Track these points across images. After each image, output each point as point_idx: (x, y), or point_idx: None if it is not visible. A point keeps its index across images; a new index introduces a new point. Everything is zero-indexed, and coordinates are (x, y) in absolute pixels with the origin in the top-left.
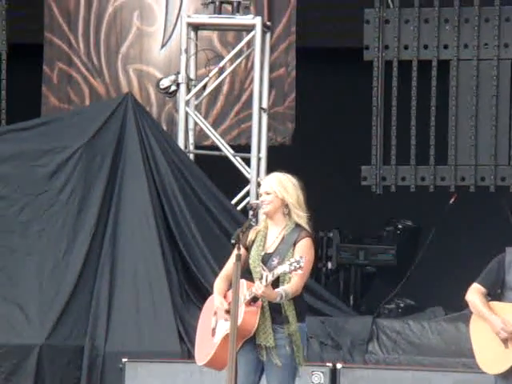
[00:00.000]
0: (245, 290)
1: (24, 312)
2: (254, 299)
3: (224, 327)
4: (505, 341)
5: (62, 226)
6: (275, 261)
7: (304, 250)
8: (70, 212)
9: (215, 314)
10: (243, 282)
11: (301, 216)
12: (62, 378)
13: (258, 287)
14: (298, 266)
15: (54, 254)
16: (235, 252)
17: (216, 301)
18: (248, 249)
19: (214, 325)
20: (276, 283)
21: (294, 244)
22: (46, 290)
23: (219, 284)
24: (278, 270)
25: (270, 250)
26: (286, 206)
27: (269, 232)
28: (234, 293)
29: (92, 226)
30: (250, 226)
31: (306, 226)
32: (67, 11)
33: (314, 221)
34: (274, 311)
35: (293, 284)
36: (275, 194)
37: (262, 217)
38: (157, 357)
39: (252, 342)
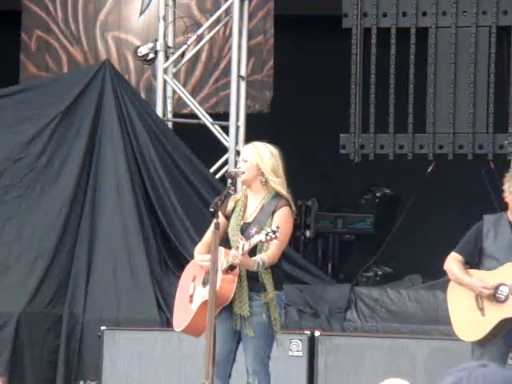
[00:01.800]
0: (222, 257)
1: (2, 279)
2: (232, 268)
3: (201, 294)
4: (481, 309)
5: (40, 192)
6: (253, 230)
7: (282, 219)
8: (49, 178)
9: (193, 280)
10: (221, 249)
11: (277, 183)
12: (40, 345)
13: (235, 256)
14: (273, 235)
15: (33, 220)
16: (214, 220)
17: (198, 257)
18: (228, 217)
19: (191, 291)
20: (253, 252)
21: (273, 213)
22: (24, 257)
23: (199, 249)
24: (254, 240)
25: (249, 220)
26: (263, 174)
27: (248, 201)
28: (212, 261)
29: (70, 192)
30: (229, 195)
31: (286, 195)
32: None
33: (293, 189)
34: (252, 279)
35: (269, 253)
36: (251, 161)
37: (240, 185)
38: (135, 324)
39: (229, 310)
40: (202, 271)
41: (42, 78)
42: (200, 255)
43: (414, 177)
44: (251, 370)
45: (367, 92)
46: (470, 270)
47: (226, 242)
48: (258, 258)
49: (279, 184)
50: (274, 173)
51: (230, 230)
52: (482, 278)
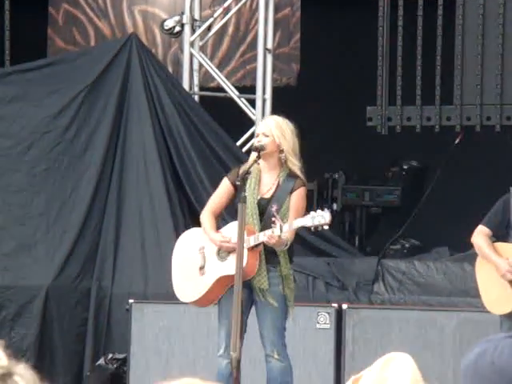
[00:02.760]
0: (244, 235)
1: (31, 253)
2: (257, 244)
3: (218, 268)
4: (510, 282)
5: (68, 165)
6: (274, 208)
7: (300, 200)
8: (76, 151)
9: (200, 250)
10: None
11: (295, 164)
12: (69, 318)
13: (271, 237)
14: (322, 221)
15: (61, 193)
16: (224, 185)
17: (215, 236)
18: (235, 187)
19: (201, 263)
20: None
21: (291, 192)
22: (52, 231)
23: (209, 221)
24: (298, 223)
25: (267, 196)
26: (282, 151)
27: (263, 176)
28: (239, 234)
29: (98, 166)
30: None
31: (301, 175)
32: None
33: (319, 162)
34: (269, 253)
35: (291, 232)
36: (273, 137)
37: (251, 156)
38: (163, 298)
39: (242, 283)
40: (211, 242)
41: (69, 52)
42: (217, 234)
43: (441, 149)
44: (269, 342)
45: (394, 64)
46: (497, 243)
47: (228, 213)
48: (284, 237)
49: (297, 164)
50: (293, 152)
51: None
52: (511, 263)
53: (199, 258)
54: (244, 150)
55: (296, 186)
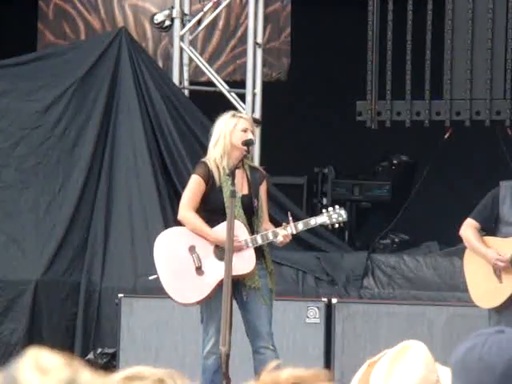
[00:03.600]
0: (246, 233)
1: (20, 247)
2: None
3: (219, 267)
4: (499, 276)
5: (57, 160)
6: (255, 202)
7: (267, 190)
8: (65, 147)
9: (191, 250)
10: (241, 224)
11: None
12: (58, 313)
13: (287, 236)
14: (340, 219)
15: (50, 189)
16: (199, 183)
17: (213, 235)
18: (206, 183)
19: (197, 263)
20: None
21: (260, 184)
22: (42, 225)
23: (199, 218)
24: (315, 221)
25: (245, 192)
26: None
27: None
28: (228, 227)
29: (87, 161)
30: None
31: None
32: None
33: (309, 157)
34: (255, 249)
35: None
36: (254, 134)
37: (214, 155)
38: (152, 292)
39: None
40: (202, 241)
41: (58, 46)
42: (209, 229)
43: (430, 144)
44: (266, 334)
45: (384, 58)
46: (485, 237)
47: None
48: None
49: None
50: None
51: (226, 199)
52: (497, 248)
53: (193, 259)
54: None
55: (261, 177)
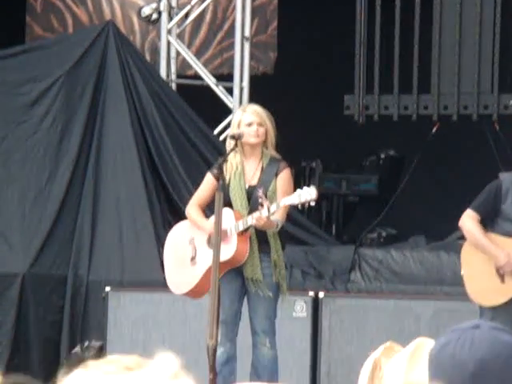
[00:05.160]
0: (233, 220)
1: (7, 241)
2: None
3: (209, 256)
4: (502, 275)
5: (44, 154)
6: (260, 192)
7: (287, 181)
8: (52, 141)
9: (191, 242)
10: (229, 211)
11: (273, 148)
12: (45, 306)
13: (259, 218)
14: (309, 197)
15: (37, 182)
16: (208, 180)
17: (206, 225)
18: (217, 179)
19: (192, 254)
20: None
21: (276, 175)
22: (28, 219)
23: (197, 211)
24: (286, 201)
25: (253, 183)
26: (266, 141)
27: (245, 165)
28: (216, 222)
29: (74, 155)
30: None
31: (281, 158)
32: None
33: (297, 151)
34: (261, 241)
35: (282, 214)
36: (266, 126)
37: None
38: (139, 286)
39: (235, 271)
40: (201, 233)
41: (45, 39)
42: (207, 222)
43: (418, 138)
44: (261, 330)
45: (372, 52)
46: (490, 233)
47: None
48: (275, 219)
49: (274, 150)
50: (274, 138)
51: (232, 194)
52: (509, 255)
53: (190, 250)
54: (221, 138)
55: (281, 168)
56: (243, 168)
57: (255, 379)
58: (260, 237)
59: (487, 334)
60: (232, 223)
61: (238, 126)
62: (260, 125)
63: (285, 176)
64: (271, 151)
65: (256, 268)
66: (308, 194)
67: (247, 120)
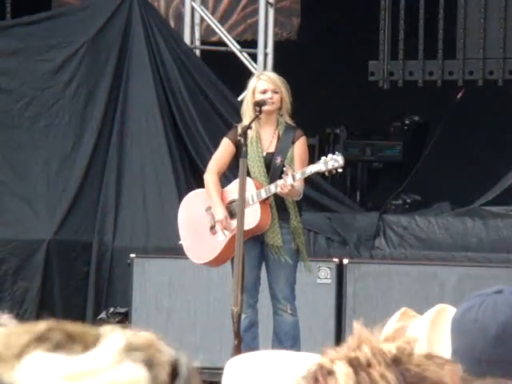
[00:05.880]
0: (253, 188)
1: (32, 207)
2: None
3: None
4: None
5: (69, 121)
6: (278, 159)
7: (303, 148)
8: (77, 107)
9: (208, 210)
10: (249, 180)
11: (290, 119)
12: (70, 272)
13: (284, 186)
14: (336, 164)
15: (61, 149)
16: (225, 145)
17: (219, 210)
18: (236, 146)
19: (212, 223)
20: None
21: (293, 143)
22: (53, 186)
23: (214, 183)
24: (312, 169)
25: (271, 150)
26: (281, 108)
27: (262, 132)
28: (240, 188)
29: (98, 122)
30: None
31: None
32: None
33: (321, 117)
34: (280, 208)
35: (302, 182)
36: (280, 93)
37: (243, 118)
38: (164, 252)
39: (253, 239)
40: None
41: (70, 6)
42: (221, 210)
43: (443, 104)
44: (282, 296)
45: (396, 18)
46: None
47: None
48: (297, 187)
49: (289, 118)
50: (290, 105)
51: (250, 161)
52: None
53: (208, 218)
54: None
55: (297, 136)
56: (260, 136)
57: (278, 346)
58: (279, 204)
59: (510, 299)
60: (253, 191)
61: (253, 93)
62: (275, 92)
63: (301, 144)
64: (286, 118)
65: (277, 235)
66: (335, 161)
67: (262, 87)
